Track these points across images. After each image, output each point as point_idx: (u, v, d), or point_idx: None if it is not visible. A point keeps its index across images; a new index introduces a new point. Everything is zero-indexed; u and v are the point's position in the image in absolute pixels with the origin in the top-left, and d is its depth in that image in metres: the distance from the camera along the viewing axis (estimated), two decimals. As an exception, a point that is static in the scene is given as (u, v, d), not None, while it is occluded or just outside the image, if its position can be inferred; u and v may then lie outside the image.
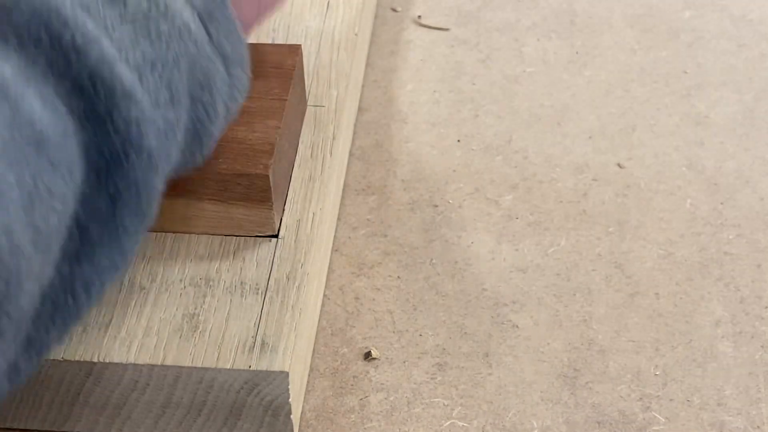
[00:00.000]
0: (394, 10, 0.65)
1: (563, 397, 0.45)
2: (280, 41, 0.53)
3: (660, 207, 0.53)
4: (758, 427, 0.44)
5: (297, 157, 0.47)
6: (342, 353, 0.47)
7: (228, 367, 0.40)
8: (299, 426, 0.44)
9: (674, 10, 0.65)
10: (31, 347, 0.33)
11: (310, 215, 0.45)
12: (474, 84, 0.60)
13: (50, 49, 0.33)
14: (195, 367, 0.40)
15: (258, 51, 0.46)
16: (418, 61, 0.61)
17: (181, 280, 0.43)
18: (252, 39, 0.53)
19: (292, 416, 0.41)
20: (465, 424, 0.44)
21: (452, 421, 0.44)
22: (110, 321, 0.41)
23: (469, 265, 0.50)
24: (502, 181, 0.54)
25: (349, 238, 0.51)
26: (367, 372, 0.46)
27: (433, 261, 0.50)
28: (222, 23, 0.38)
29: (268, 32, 0.54)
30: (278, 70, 0.47)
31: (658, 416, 0.44)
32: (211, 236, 0.45)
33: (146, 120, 0.35)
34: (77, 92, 0.34)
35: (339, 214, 0.52)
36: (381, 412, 0.44)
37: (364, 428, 0.44)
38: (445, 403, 0.45)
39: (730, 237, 0.52)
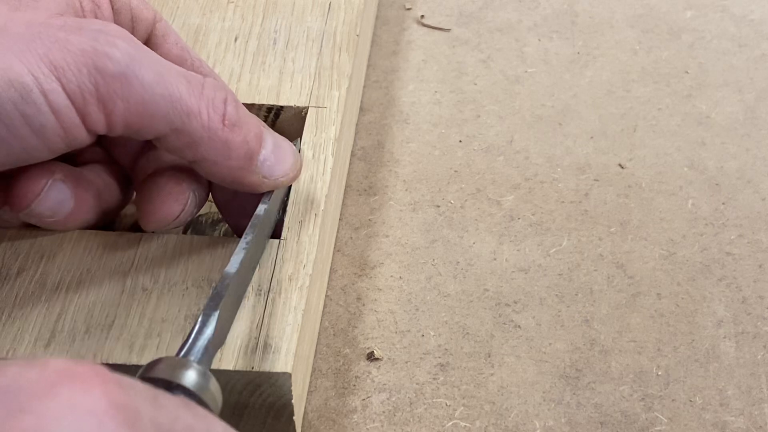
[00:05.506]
0: (406, 8, 0.65)
1: (565, 397, 0.45)
2: (281, 42, 0.53)
3: (661, 207, 0.53)
4: (760, 427, 0.44)
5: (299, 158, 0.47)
6: (344, 354, 0.47)
7: (230, 368, 0.40)
8: (301, 426, 0.44)
9: (675, 10, 0.65)
10: None
11: (312, 216, 0.45)
12: (475, 84, 0.60)
13: None
14: (197, 368, 0.40)
15: None
16: (420, 61, 0.61)
17: (183, 281, 0.43)
18: (254, 39, 0.53)
19: (294, 417, 0.41)
20: (467, 425, 0.44)
21: (455, 421, 0.44)
22: (112, 322, 0.41)
23: (471, 266, 0.50)
24: (503, 181, 0.54)
25: (351, 238, 0.51)
26: (369, 372, 0.46)
27: (435, 261, 0.50)
28: None
29: (269, 33, 0.54)
30: None
31: (661, 416, 0.44)
32: (214, 237, 0.45)
33: None
34: None
35: (341, 215, 0.52)
36: (383, 412, 0.44)
37: (367, 429, 0.44)
38: (448, 404, 0.45)
39: (732, 237, 0.52)
